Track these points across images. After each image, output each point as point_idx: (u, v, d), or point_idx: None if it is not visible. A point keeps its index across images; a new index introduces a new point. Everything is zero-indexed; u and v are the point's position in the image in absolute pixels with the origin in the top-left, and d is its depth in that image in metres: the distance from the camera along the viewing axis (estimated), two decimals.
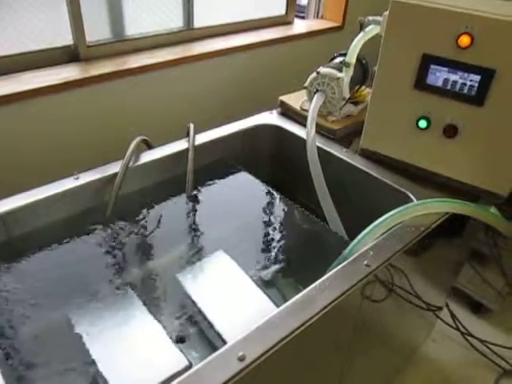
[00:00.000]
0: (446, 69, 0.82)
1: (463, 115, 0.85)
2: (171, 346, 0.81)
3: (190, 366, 0.78)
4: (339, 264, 0.80)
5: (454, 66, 0.81)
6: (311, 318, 0.64)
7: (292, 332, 0.61)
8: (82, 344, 0.78)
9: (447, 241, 1.06)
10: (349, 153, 1.01)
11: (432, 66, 0.83)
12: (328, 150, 1.01)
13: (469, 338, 1.35)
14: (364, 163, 0.98)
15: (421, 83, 0.86)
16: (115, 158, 0.95)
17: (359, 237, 0.82)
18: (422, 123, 0.89)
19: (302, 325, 0.62)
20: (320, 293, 0.67)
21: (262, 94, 1.51)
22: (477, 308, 1.51)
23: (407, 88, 0.88)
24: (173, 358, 0.79)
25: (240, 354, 0.58)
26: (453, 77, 0.82)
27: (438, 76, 0.84)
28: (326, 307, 0.65)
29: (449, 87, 0.84)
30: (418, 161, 0.93)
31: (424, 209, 0.85)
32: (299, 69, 1.31)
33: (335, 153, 1.01)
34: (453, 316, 1.32)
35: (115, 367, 0.75)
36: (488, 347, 1.35)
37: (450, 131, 0.87)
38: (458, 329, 1.33)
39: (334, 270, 0.72)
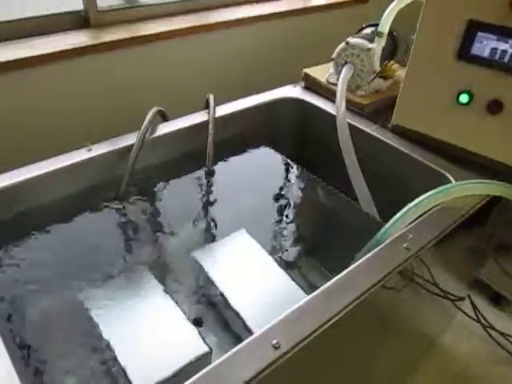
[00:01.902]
0: (494, 37, 0.75)
1: (511, 89, 0.78)
2: (190, 329, 0.76)
3: (210, 352, 0.73)
4: (372, 247, 0.75)
5: (505, 33, 0.74)
6: (350, 303, 0.58)
7: (329, 319, 0.56)
8: (94, 327, 0.73)
9: (469, 229, 1.01)
10: (379, 129, 0.94)
11: (479, 34, 0.76)
12: (357, 125, 0.95)
13: (489, 330, 1.30)
14: (396, 141, 0.91)
15: (464, 53, 0.79)
16: (128, 130, 0.89)
17: (395, 218, 0.76)
18: (464, 98, 0.82)
19: (340, 311, 0.57)
20: (357, 277, 0.62)
21: (283, 67, 1.43)
22: (498, 300, 1.46)
23: (448, 59, 0.81)
24: (192, 342, 0.74)
25: (274, 341, 0.52)
26: (502, 46, 0.75)
27: (485, 45, 0.77)
28: (364, 293, 0.60)
29: (496, 57, 0.77)
30: (456, 139, 0.86)
31: (464, 190, 0.79)
32: (322, 42, 1.24)
33: (365, 129, 0.95)
34: (474, 307, 1.27)
35: (131, 352, 0.70)
36: (509, 340, 1.31)
37: (495, 107, 0.80)
38: (478, 321, 1.28)
39: (372, 253, 0.66)
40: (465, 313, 1.27)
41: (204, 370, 0.49)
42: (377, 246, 0.74)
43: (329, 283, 0.60)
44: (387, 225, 0.76)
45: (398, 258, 0.65)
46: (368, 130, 0.95)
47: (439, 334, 1.33)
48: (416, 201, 0.77)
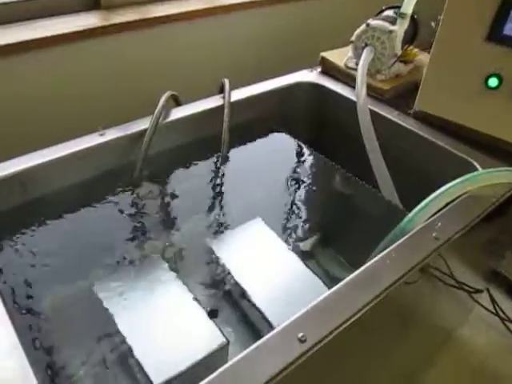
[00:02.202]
0: None
1: None
2: (206, 321, 0.73)
3: (227, 344, 0.70)
4: (396, 236, 0.72)
5: None
6: (377, 296, 0.55)
7: (356, 312, 0.53)
8: (108, 319, 0.70)
9: (488, 220, 0.97)
10: (401, 115, 0.91)
11: None
12: (377, 111, 0.91)
13: (508, 323, 1.27)
14: (419, 127, 0.88)
15: (495, 34, 0.75)
16: (140, 116, 0.86)
17: (420, 206, 0.72)
18: (493, 82, 0.78)
19: (367, 304, 0.54)
20: (384, 268, 0.59)
21: (299, 51, 1.39)
22: None
23: (478, 40, 0.77)
24: (208, 334, 0.71)
25: (300, 334, 0.50)
26: None
27: None
28: (392, 284, 0.57)
29: None
30: (483, 125, 0.83)
31: (493, 178, 0.75)
32: (339, 26, 1.20)
33: (386, 115, 0.91)
34: (492, 300, 1.24)
35: (146, 345, 0.68)
36: None
37: None
38: (497, 314, 1.25)
39: (398, 243, 0.63)
40: (482, 306, 1.24)
41: (226, 365, 0.47)
42: (401, 235, 0.71)
43: (354, 274, 0.58)
44: (412, 213, 0.73)
45: (427, 247, 0.62)
46: (389, 116, 0.91)
47: (456, 327, 1.30)
48: (443, 188, 0.73)
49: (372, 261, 0.59)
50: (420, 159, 0.86)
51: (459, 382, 1.21)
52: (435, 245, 0.62)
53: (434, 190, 0.74)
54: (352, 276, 0.57)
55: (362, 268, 0.58)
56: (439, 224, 0.65)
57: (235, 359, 0.47)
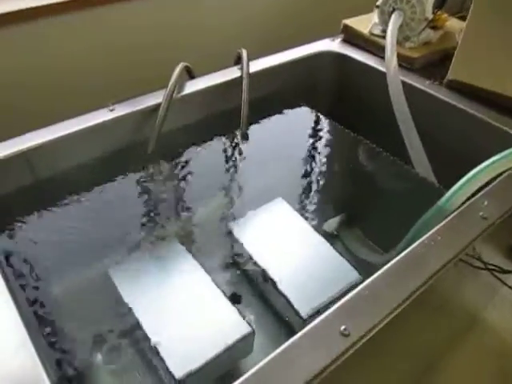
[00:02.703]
0: None
1: None
2: (229, 308, 0.68)
3: (253, 333, 0.65)
4: (434, 216, 0.66)
5: None
6: (423, 284, 0.50)
7: (404, 300, 0.48)
8: (124, 304, 0.65)
9: None
10: (433, 85, 0.84)
11: None
12: (407, 81, 0.85)
13: None
14: (454, 97, 0.81)
15: None
16: (150, 90, 0.80)
17: (460, 183, 0.66)
18: None
19: (413, 293, 0.49)
20: (429, 252, 0.53)
21: (319, 19, 1.31)
22: None
23: None
24: (232, 322, 0.66)
25: (342, 327, 0.44)
26: None
27: None
28: (439, 270, 0.51)
29: None
30: None
31: None
32: None
33: (416, 85, 0.84)
34: None
35: (166, 335, 0.63)
36: None
37: None
38: None
39: (442, 224, 0.57)
40: (510, 287, 1.19)
41: (265, 360, 0.42)
42: (439, 215, 0.66)
43: (397, 259, 0.52)
44: (451, 191, 0.67)
45: (475, 228, 0.56)
46: (420, 86, 0.84)
47: (481, 310, 1.26)
48: (485, 163, 0.67)
49: (415, 244, 0.54)
50: (455, 132, 0.80)
51: (484, 365, 1.17)
52: (484, 225, 0.56)
53: (471, 166, 0.68)
54: (395, 261, 0.51)
55: (406, 252, 0.53)
56: (486, 203, 0.59)
57: (272, 355, 0.42)
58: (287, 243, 0.79)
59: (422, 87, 0.83)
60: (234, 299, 0.79)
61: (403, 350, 0.78)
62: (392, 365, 0.75)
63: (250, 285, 0.80)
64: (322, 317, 0.45)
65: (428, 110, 0.82)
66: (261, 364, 0.41)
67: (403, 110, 0.76)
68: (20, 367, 0.40)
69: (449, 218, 0.58)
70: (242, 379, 0.40)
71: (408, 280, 0.49)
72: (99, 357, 0.65)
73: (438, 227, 0.57)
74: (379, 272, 0.50)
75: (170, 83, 0.78)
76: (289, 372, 0.41)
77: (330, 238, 0.83)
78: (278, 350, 0.43)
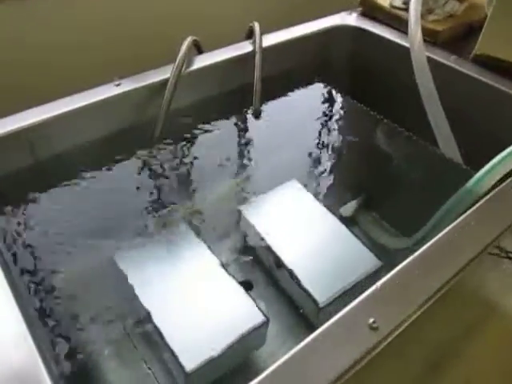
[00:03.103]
0: None
1: None
2: (242, 295, 0.64)
3: (267, 322, 0.62)
4: (462, 200, 0.62)
5: None
6: (459, 271, 0.45)
7: (437, 290, 0.43)
8: (131, 291, 0.62)
9: None
10: (459, 60, 0.79)
11: None
12: (430, 56, 0.79)
13: None
14: (482, 73, 0.76)
15: None
16: (156, 66, 0.75)
17: (491, 164, 0.62)
18: None
19: (449, 281, 0.44)
20: (464, 237, 0.49)
21: None
22: None
23: None
24: (245, 310, 0.63)
25: (370, 320, 0.40)
26: None
27: None
28: (476, 256, 0.47)
29: None
30: None
31: None
32: None
33: (441, 60, 0.79)
34: None
35: (175, 324, 0.59)
36: None
37: None
38: None
39: (475, 207, 0.53)
40: None
41: (285, 356, 0.38)
42: (468, 198, 0.61)
43: (428, 246, 0.48)
44: (481, 172, 0.63)
45: (510, 212, 0.51)
46: (445, 61, 0.79)
47: (500, 298, 1.22)
48: None
49: (447, 229, 0.49)
50: (484, 110, 0.75)
51: (504, 352, 1.13)
52: None
53: (501, 146, 0.63)
54: (426, 247, 0.47)
55: (438, 237, 0.48)
56: None
57: (293, 350, 0.38)
58: (302, 227, 0.75)
59: (447, 62, 0.78)
60: (246, 286, 0.75)
61: (421, 339, 0.74)
62: (411, 354, 0.71)
63: (262, 271, 0.77)
64: (348, 308, 0.41)
65: (454, 86, 0.77)
66: (280, 361, 0.38)
67: (428, 87, 0.71)
68: (18, 363, 0.37)
69: (482, 201, 0.54)
70: (260, 378, 0.36)
71: (442, 267, 0.45)
72: (104, 348, 0.62)
73: (470, 211, 0.52)
74: (410, 259, 0.45)
75: (179, 57, 0.73)
76: (312, 369, 0.37)
77: (348, 222, 0.78)
78: (300, 345, 0.39)
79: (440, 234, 0.48)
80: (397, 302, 0.42)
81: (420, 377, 0.56)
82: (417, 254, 0.46)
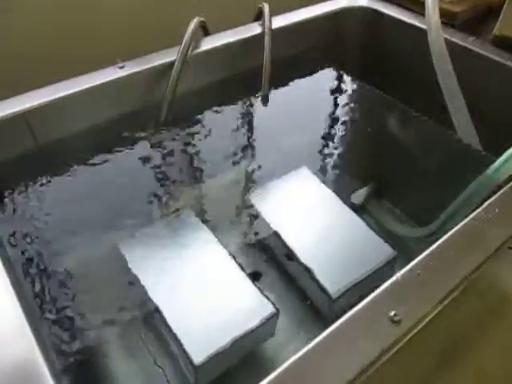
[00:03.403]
0: None
1: None
2: (250, 286, 0.62)
3: (277, 313, 0.59)
4: (482, 186, 0.59)
5: None
6: (484, 261, 0.43)
7: (461, 282, 0.41)
8: (136, 282, 0.60)
9: None
10: (477, 42, 0.75)
11: None
12: (448, 38, 0.76)
13: None
14: (502, 55, 0.72)
15: None
16: (160, 48, 0.72)
17: None
18: None
19: (474, 271, 0.42)
20: (488, 225, 0.46)
21: None
22: None
23: None
24: (254, 302, 0.60)
25: (392, 313, 0.38)
26: None
27: None
28: (502, 245, 0.44)
29: None
30: None
31: None
32: None
33: (459, 42, 0.76)
34: None
35: (182, 315, 0.57)
36: None
37: None
38: None
39: (500, 193, 0.50)
40: None
41: (301, 352, 0.35)
42: (488, 185, 0.59)
43: (450, 234, 0.45)
44: (501, 158, 0.60)
45: None
46: (463, 43, 0.76)
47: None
48: None
49: (469, 218, 0.47)
50: (503, 93, 0.72)
51: None
52: None
53: None
54: (448, 236, 0.44)
55: (460, 226, 0.45)
56: None
57: (310, 345, 0.36)
58: (312, 216, 0.72)
59: (466, 44, 0.75)
60: (254, 277, 0.73)
61: (434, 331, 0.72)
62: (423, 345, 0.69)
63: (271, 261, 0.74)
64: (367, 301, 0.39)
65: (472, 69, 0.73)
66: (294, 357, 0.35)
67: (447, 70, 0.68)
68: (16, 358, 0.34)
69: (505, 188, 0.51)
70: (275, 373, 0.34)
71: (466, 257, 0.42)
72: (109, 341, 0.60)
73: (493, 199, 0.49)
74: (431, 248, 0.43)
75: (185, 39, 0.70)
76: (328, 367, 0.35)
77: (359, 210, 0.76)
78: (316, 341, 0.36)
79: (462, 223, 0.46)
80: (419, 293, 0.40)
81: (433, 368, 0.54)
82: (438, 243, 0.44)
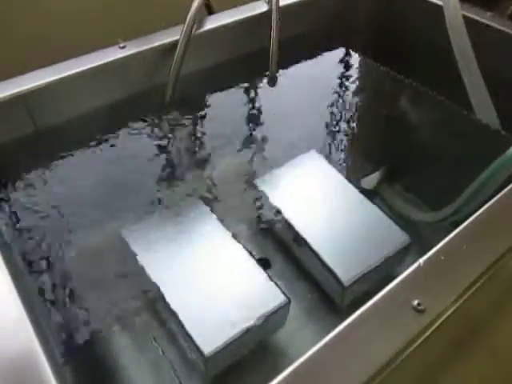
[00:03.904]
0: None
1: None
2: (260, 274, 0.60)
3: (288, 303, 0.57)
4: (503, 168, 0.56)
5: None
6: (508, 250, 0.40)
7: (490, 267, 0.38)
8: (141, 270, 0.57)
9: None
10: (496, 17, 0.72)
11: None
12: (465, 14, 0.72)
13: None
14: None
15: None
16: (163, 27, 0.69)
17: None
18: None
19: (503, 255, 0.39)
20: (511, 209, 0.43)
21: None
22: None
23: None
24: (264, 291, 0.58)
25: (415, 302, 0.35)
26: None
27: None
28: None
29: None
30: None
31: None
32: None
33: (475, 17, 0.72)
34: None
35: (190, 305, 0.55)
36: None
37: None
38: None
39: None
40: None
41: (319, 344, 0.33)
42: (508, 166, 0.56)
43: (475, 216, 0.42)
44: None
45: None
46: (480, 18, 0.72)
47: None
48: None
49: (495, 199, 0.44)
50: None
51: None
52: None
53: None
54: (473, 218, 0.42)
55: (484, 208, 0.43)
56: None
57: (328, 337, 0.33)
58: (323, 201, 0.70)
59: (483, 20, 0.71)
60: (263, 264, 0.70)
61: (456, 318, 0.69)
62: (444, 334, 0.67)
63: (280, 248, 0.72)
64: (388, 289, 0.36)
65: (490, 45, 0.70)
66: (312, 350, 0.33)
67: (464, 47, 0.65)
68: (15, 349, 0.32)
69: None
70: (293, 366, 0.32)
71: (493, 240, 0.39)
72: (114, 333, 0.58)
73: None
74: (455, 232, 0.40)
75: (188, 17, 0.67)
76: (348, 361, 0.32)
77: (370, 195, 0.73)
78: (334, 332, 0.34)
79: (488, 204, 0.43)
80: (443, 280, 0.37)
81: (444, 353, 0.52)
82: (463, 226, 0.41)
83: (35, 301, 0.47)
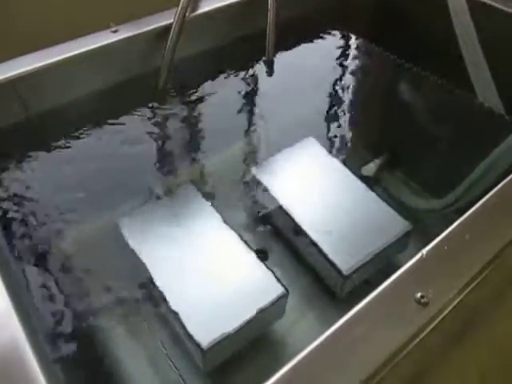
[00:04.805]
0: None
1: None
2: (257, 265, 0.58)
3: (286, 295, 0.56)
4: (507, 153, 0.55)
5: None
6: None
7: (496, 256, 0.37)
8: (137, 261, 0.56)
9: None
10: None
11: None
12: None
13: None
14: None
15: None
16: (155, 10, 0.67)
17: None
18: None
19: (502, 250, 0.38)
20: None
21: None
22: None
23: None
24: (262, 282, 0.57)
25: (418, 294, 0.34)
26: None
27: None
28: None
29: None
30: None
31: None
32: None
33: None
34: None
35: (185, 296, 0.53)
36: None
37: None
38: None
39: None
40: None
41: (320, 339, 0.32)
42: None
43: (480, 204, 0.41)
44: None
45: None
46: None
47: None
48: None
49: (499, 186, 0.42)
50: None
51: None
52: None
53: None
54: (476, 208, 0.40)
55: (488, 196, 0.41)
56: None
57: (329, 331, 0.32)
58: (321, 189, 0.68)
59: (489, 2, 0.69)
60: (261, 255, 0.69)
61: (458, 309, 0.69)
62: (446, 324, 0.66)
63: (278, 238, 0.70)
64: (390, 281, 0.35)
65: (493, 26, 0.68)
66: (313, 345, 0.31)
67: (466, 27, 0.63)
68: (1, 346, 0.31)
69: None
70: (303, 354, 0.30)
71: (497, 229, 0.38)
72: (109, 327, 0.57)
73: None
74: (458, 221, 0.39)
75: (182, 0, 0.65)
76: (349, 356, 0.31)
77: (370, 183, 0.72)
78: (336, 326, 0.33)
79: (492, 192, 0.41)
80: (447, 271, 0.36)
81: (446, 345, 0.51)
82: (466, 215, 0.40)
83: (23, 293, 0.46)
